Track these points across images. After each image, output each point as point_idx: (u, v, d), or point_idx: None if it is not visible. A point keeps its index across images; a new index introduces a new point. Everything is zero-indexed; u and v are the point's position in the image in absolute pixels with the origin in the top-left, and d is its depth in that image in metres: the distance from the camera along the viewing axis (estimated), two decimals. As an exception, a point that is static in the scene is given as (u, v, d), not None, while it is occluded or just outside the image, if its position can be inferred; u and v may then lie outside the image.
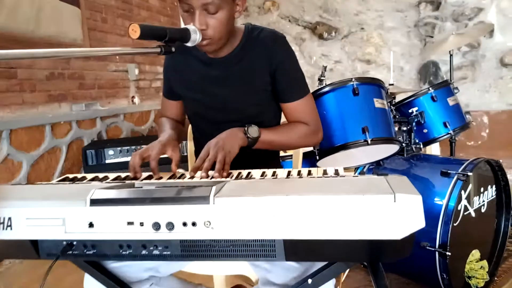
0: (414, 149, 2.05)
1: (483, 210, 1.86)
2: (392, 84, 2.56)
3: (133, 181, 1.03)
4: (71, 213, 0.78)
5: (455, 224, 1.66)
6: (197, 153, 1.53)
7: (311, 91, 1.42)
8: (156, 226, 0.76)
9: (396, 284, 1.97)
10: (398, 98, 2.30)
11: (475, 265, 1.78)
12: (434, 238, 1.64)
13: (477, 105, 4.14)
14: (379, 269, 0.83)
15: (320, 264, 0.89)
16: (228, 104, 1.36)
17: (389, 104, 1.93)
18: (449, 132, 2.17)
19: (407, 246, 0.73)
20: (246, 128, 1.23)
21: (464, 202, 1.72)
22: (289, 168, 1.78)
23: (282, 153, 1.89)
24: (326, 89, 1.83)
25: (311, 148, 1.90)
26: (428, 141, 2.21)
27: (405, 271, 1.93)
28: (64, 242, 0.81)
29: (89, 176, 1.13)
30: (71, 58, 2.96)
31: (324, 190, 0.77)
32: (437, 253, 1.63)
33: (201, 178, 1.05)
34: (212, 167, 1.08)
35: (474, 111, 4.10)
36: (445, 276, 1.65)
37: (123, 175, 1.12)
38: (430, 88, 2.19)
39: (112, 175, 1.13)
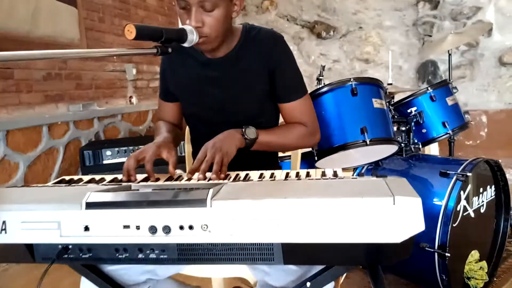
0: (413, 149, 2.04)
1: (482, 211, 1.85)
2: (391, 84, 2.55)
3: (129, 183, 1.02)
4: (67, 217, 0.77)
5: (454, 225, 1.66)
6: (194, 154, 1.51)
7: (310, 90, 1.41)
8: (153, 230, 0.75)
9: (395, 286, 1.96)
10: (397, 97, 2.30)
11: (475, 265, 1.78)
12: (433, 239, 1.64)
13: (476, 104, 4.13)
14: (378, 272, 0.82)
15: (319, 267, 0.88)
16: (225, 105, 1.35)
17: (387, 104, 1.93)
18: (448, 132, 2.17)
19: (406, 249, 0.72)
20: (243, 130, 1.22)
21: (463, 202, 1.72)
22: (288, 169, 1.77)
23: (280, 154, 1.88)
24: (325, 89, 1.82)
25: (309, 149, 1.89)
26: (427, 141, 2.20)
27: (404, 272, 1.92)
28: (60, 246, 0.80)
29: (86, 178, 1.12)
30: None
31: (323, 193, 0.76)
32: (436, 254, 1.63)
33: (198, 180, 1.04)
34: (210, 169, 1.07)
35: (472, 110, 4.10)
36: (444, 277, 1.64)
37: (120, 176, 1.11)
38: (429, 88, 2.18)
39: (109, 177, 1.12)
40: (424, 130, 2.18)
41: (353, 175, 1.63)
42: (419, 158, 2.03)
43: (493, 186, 1.92)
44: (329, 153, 1.78)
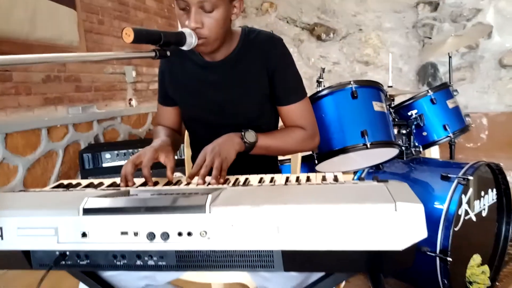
0: (413, 152, 2.03)
1: (484, 214, 1.84)
2: (391, 86, 2.54)
3: (128, 188, 1.01)
4: (64, 223, 0.76)
5: (455, 229, 1.64)
6: (194, 158, 1.50)
7: (310, 92, 1.40)
8: (151, 236, 0.74)
9: (396, 289, 1.95)
10: (397, 100, 2.29)
11: (476, 270, 1.77)
12: (434, 243, 1.63)
13: (476, 106, 4.12)
14: (379, 278, 0.81)
15: (320, 273, 0.87)
16: (225, 108, 1.34)
17: (388, 107, 1.92)
18: (449, 135, 2.15)
19: (408, 257, 0.71)
20: (243, 133, 1.21)
21: (464, 206, 1.71)
22: (288, 172, 1.76)
23: (280, 157, 1.87)
24: (325, 92, 1.81)
25: (310, 152, 1.88)
26: (428, 144, 2.18)
27: (405, 276, 1.91)
28: (57, 253, 0.79)
29: (84, 182, 1.11)
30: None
31: (323, 199, 0.75)
32: (437, 258, 1.62)
33: (197, 185, 1.03)
34: (209, 173, 1.06)
35: (473, 112, 4.08)
36: (446, 281, 1.63)
37: (118, 180, 1.10)
38: (430, 91, 2.17)
39: (107, 181, 1.11)
40: (424, 133, 2.16)
41: (353, 179, 1.62)
42: (420, 161, 2.02)
43: (494, 190, 1.91)
44: (330, 156, 1.77)
